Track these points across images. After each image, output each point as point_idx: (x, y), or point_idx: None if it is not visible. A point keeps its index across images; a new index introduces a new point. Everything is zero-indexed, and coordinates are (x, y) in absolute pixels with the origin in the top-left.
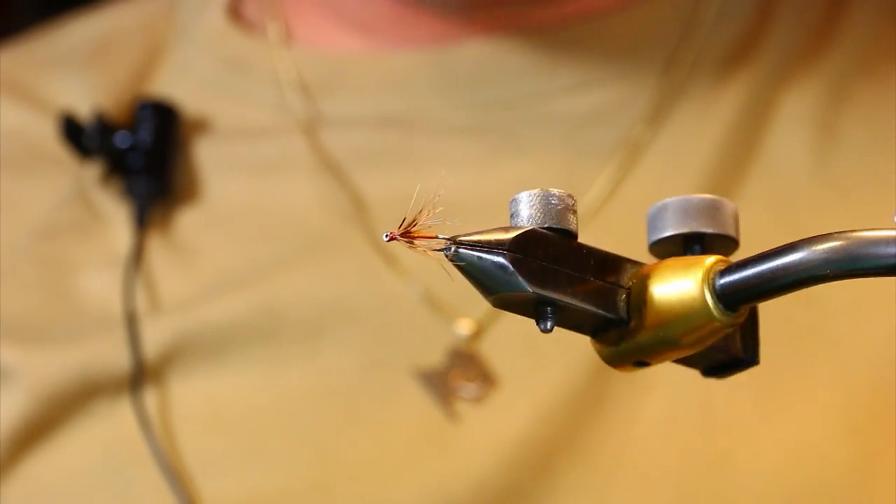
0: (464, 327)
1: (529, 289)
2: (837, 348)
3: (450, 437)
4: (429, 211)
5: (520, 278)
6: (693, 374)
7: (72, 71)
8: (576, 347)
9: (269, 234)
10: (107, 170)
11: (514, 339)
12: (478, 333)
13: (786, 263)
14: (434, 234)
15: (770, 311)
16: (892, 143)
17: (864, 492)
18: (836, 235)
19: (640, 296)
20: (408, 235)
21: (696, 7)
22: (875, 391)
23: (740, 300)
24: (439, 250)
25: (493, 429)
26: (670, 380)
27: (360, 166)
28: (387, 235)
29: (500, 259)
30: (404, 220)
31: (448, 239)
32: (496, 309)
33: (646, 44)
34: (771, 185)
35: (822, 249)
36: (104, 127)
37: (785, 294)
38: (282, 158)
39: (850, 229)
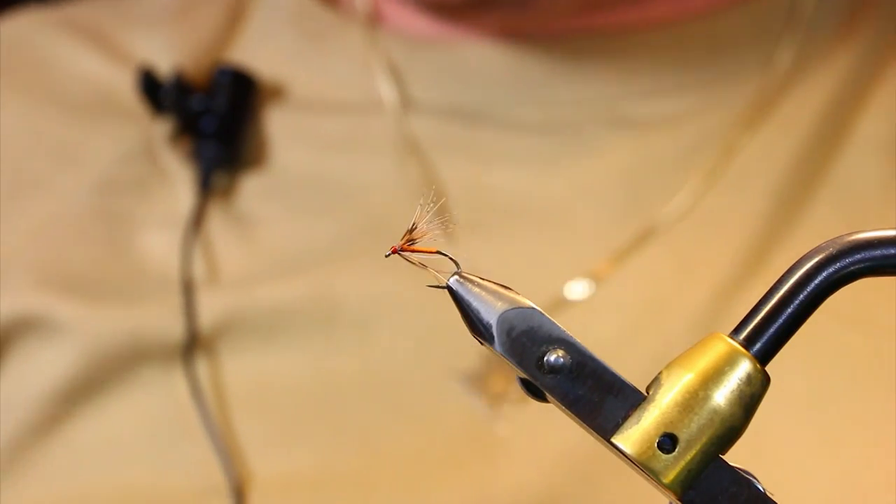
0: None
1: (547, 316)
2: None
3: (492, 440)
4: (425, 217)
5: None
6: None
7: (155, 28)
8: (626, 352)
9: (331, 211)
10: (177, 129)
11: None
12: None
13: (794, 282)
14: (434, 249)
15: (828, 340)
16: None
17: None
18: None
19: (659, 375)
20: (409, 249)
21: (774, 19)
22: None
23: (769, 338)
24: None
25: (535, 434)
26: None
27: (427, 153)
28: (389, 253)
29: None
30: (405, 233)
31: (454, 267)
32: (548, 309)
33: (725, 55)
34: (841, 207)
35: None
36: (181, 87)
37: (811, 312)
38: (352, 136)
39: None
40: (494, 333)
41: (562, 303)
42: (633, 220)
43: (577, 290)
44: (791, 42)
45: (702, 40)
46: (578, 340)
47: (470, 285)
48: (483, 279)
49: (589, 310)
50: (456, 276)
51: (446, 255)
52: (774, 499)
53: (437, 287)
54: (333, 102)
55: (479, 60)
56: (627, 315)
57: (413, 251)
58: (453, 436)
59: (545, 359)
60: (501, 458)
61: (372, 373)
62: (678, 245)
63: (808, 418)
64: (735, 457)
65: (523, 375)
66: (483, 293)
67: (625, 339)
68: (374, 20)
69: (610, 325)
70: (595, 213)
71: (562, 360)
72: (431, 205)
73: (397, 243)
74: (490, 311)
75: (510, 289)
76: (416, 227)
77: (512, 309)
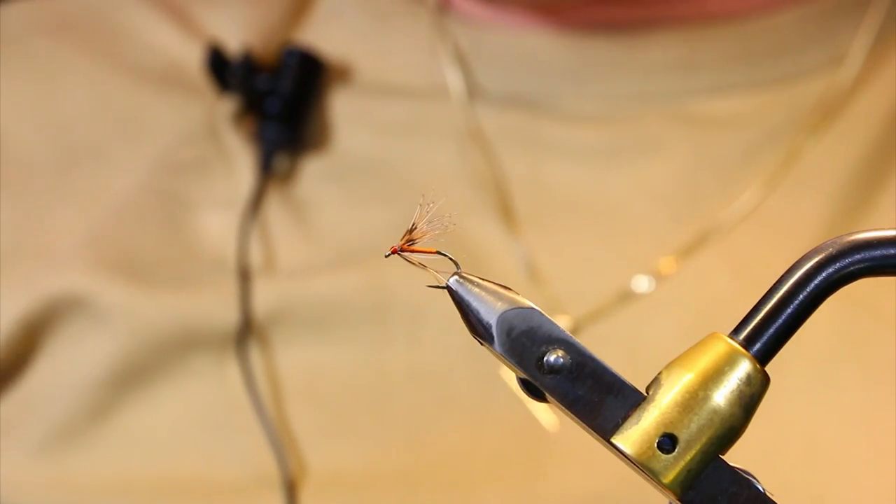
0: (562, 324)
1: (547, 316)
2: None
3: (541, 439)
4: (425, 218)
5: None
6: (800, 404)
7: (227, 5)
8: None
9: (390, 199)
10: (242, 109)
11: (614, 340)
12: (574, 331)
13: (793, 282)
14: (434, 249)
15: (884, 349)
16: None
17: None
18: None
19: (659, 375)
20: (409, 249)
21: (844, 17)
22: None
23: (768, 338)
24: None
25: (585, 435)
26: (776, 408)
27: (489, 142)
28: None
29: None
30: (405, 233)
31: (454, 269)
32: (598, 308)
33: (791, 52)
34: None
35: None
36: (249, 66)
37: (810, 312)
38: (415, 122)
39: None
40: (494, 333)
41: (626, 296)
42: (692, 220)
43: (640, 285)
44: (862, 43)
45: (767, 36)
46: (578, 340)
47: (470, 285)
48: (483, 279)
49: (649, 307)
50: (456, 277)
51: (446, 256)
52: (774, 499)
53: (437, 287)
54: (398, 87)
55: (543, 49)
56: (684, 317)
57: (413, 251)
58: (502, 435)
59: (545, 359)
60: (550, 459)
61: (422, 368)
62: (737, 249)
63: (863, 428)
64: (788, 464)
65: (523, 376)
66: (483, 293)
67: (680, 341)
68: (443, 5)
69: (666, 325)
70: (654, 212)
71: (562, 360)
72: (430, 206)
73: (397, 243)
74: (490, 312)
75: (510, 289)
76: (415, 227)
77: (512, 309)
